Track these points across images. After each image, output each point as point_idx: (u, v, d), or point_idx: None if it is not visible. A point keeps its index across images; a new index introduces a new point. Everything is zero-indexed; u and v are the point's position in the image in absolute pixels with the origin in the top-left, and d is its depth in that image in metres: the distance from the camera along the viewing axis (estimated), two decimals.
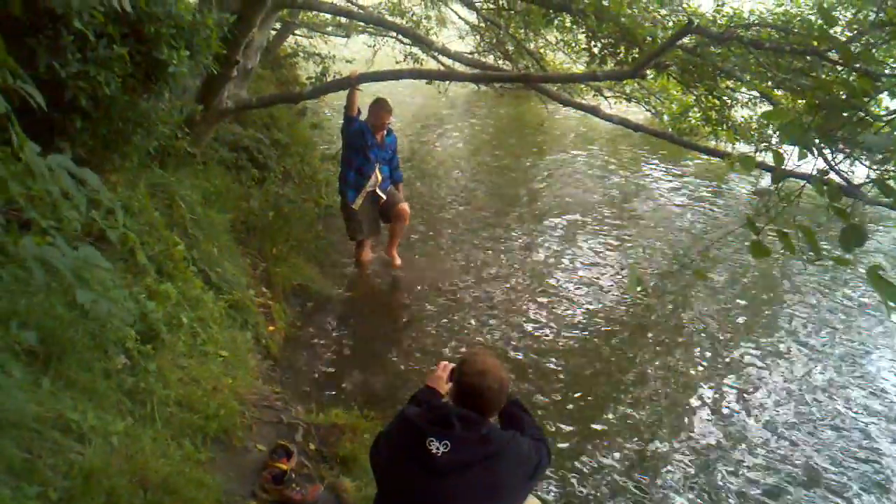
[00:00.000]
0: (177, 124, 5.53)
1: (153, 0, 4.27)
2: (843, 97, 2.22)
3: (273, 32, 11.90)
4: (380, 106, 7.39)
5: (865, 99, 2.22)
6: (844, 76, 5.27)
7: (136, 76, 4.39)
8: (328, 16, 12.82)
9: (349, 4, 10.62)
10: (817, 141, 2.52)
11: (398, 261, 8.02)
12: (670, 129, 9.25)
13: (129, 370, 3.82)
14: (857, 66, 4.74)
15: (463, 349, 6.34)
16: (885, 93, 3.67)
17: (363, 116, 7.45)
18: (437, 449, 2.49)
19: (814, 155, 2.27)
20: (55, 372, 3.32)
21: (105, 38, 4.06)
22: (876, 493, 5.11)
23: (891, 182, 2.52)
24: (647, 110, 10.45)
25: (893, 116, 2.37)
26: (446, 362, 3.13)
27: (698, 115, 8.72)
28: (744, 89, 7.73)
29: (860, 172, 5.44)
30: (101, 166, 4.55)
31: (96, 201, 4.03)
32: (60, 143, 4.09)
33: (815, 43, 5.82)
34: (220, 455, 4.01)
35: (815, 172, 2.33)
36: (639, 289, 7.92)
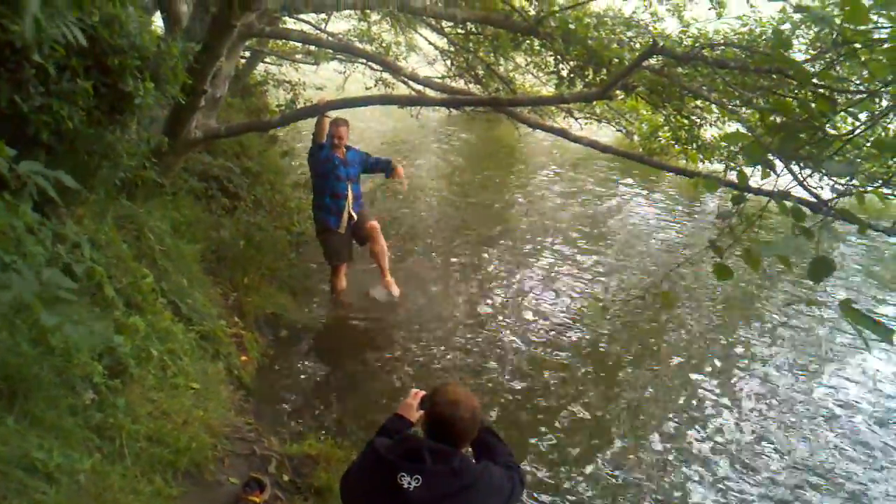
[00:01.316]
0: (144, 155, 5.47)
1: (117, 32, 4.23)
2: (803, 118, 2.23)
3: (242, 60, 11.90)
4: (332, 123, 7.34)
5: (824, 119, 2.24)
6: (807, 94, 5.33)
7: (101, 108, 4.35)
8: (297, 44, 12.81)
9: (318, 32, 10.60)
10: (781, 158, 2.53)
11: (396, 289, 7.80)
12: (641, 149, 9.31)
13: (97, 406, 3.76)
14: (818, 83, 4.80)
15: (437, 377, 6.30)
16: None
17: None
18: (409, 484, 2.45)
19: (776, 173, 2.26)
20: (20, 410, 3.26)
21: (68, 71, 4.03)
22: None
23: (854, 200, 2.54)
24: (617, 130, 10.52)
25: (853, 136, 2.39)
26: (418, 390, 3.10)
27: (668, 134, 8.78)
28: (713, 108, 7.81)
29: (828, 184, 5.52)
30: (67, 200, 4.49)
31: (62, 235, 3.99)
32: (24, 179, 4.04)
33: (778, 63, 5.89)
34: (192, 489, 3.94)
35: (777, 192, 2.33)
36: (607, 316, 7.95)
